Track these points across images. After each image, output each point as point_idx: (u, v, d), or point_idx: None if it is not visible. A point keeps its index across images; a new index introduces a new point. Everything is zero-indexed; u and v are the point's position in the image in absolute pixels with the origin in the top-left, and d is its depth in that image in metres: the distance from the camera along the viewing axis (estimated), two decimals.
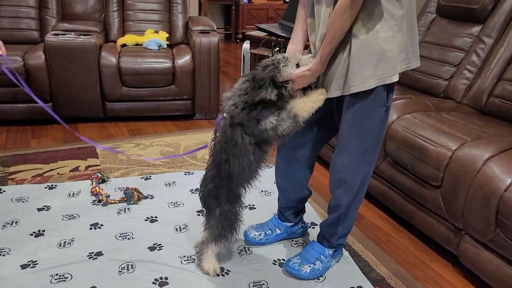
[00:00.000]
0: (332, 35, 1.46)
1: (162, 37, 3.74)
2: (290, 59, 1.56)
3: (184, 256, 1.90)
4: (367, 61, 1.47)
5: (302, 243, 2.05)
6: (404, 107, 2.32)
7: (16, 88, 3.15)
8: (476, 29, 2.65)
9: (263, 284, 1.76)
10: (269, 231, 2.02)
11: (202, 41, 3.47)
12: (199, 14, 6.77)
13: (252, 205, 2.34)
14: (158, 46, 3.61)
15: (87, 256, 1.88)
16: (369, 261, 1.93)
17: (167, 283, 1.74)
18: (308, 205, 2.24)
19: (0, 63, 2.15)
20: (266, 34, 3.37)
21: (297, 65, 1.57)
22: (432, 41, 2.84)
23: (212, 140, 1.68)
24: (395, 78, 1.50)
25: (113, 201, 2.29)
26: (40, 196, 2.34)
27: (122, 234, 2.04)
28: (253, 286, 1.75)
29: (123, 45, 3.67)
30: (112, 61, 3.34)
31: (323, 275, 1.82)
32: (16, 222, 2.10)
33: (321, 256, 1.82)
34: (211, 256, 1.78)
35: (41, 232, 2.03)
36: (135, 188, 2.36)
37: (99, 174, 2.49)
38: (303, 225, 2.08)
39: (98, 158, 2.82)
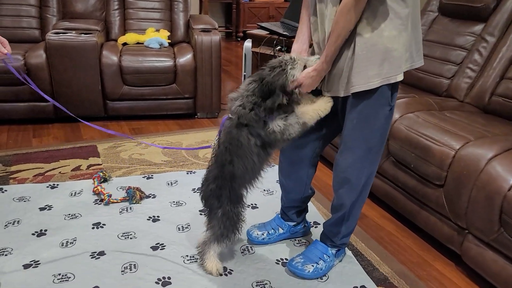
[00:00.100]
0: (337, 34, 1.45)
1: (163, 36, 3.73)
2: (298, 61, 1.55)
3: (187, 256, 1.90)
4: (372, 60, 1.46)
5: (305, 242, 2.05)
6: (407, 106, 2.31)
7: (17, 87, 3.14)
8: (478, 27, 2.64)
9: (266, 283, 1.76)
10: (272, 230, 2.02)
11: (203, 39, 3.47)
12: (200, 13, 6.75)
13: (255, 204, 2.34)
14: (160, 45, 3.60)
15: (90, 255, 1.88)
16: (372, 261, 1.93)
17: (170, 283, 1.73)
18: (311, 205, 2.24)
19: (5, 62, 2.13)
20: (268, 32, 3.36)
21: (305, 67, 1.57)
22: (434, 39, 2.83)
23: (215, 140, 1.67)
24: (400, 77, 1.50)
25: (115, 201, 2.29)
26: (42, 195, 2.33)
27: (124, 233, 2.04)
28: (256, 285, 1.75)
29: (124, 44, 3.66)
30: (114, 60, 3.33)
31: (326, 275, 1.82)
32: (18, 221, 2.09)
33: (324, 255, 1.82)
34: (213, 256, 1.78)
35: (43, 231, 2.03)
36: (137, 187, 2.35)
37: (101, 173, 2.49)
38: (306, 224, 2.07)
39: (99, 157, 2.81)
